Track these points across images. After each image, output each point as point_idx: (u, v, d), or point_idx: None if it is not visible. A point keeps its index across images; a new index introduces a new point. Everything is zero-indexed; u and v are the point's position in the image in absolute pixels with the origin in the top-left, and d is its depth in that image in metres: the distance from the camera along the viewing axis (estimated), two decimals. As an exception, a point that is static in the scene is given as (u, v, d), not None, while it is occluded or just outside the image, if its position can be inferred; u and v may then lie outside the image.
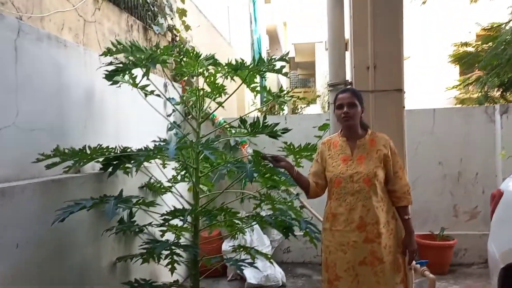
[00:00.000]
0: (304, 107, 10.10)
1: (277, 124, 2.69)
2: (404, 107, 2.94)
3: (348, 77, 3.07)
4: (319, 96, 12.10)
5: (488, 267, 2.93)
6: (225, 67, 2.85)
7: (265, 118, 2.68)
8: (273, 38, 18.96)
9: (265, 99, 3.29)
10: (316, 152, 2.67)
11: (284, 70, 2.81)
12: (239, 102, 9.15)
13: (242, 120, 2.68)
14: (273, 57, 2.73)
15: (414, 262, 2.66)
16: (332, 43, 3.11)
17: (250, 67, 2.74)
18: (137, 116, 3.60)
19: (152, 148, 2.50)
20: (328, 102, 3.30)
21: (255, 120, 2.65)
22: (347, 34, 3.14)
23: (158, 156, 2.73)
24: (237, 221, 3.28)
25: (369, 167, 2.41)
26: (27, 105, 2.33)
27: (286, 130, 2.68)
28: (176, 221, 2.97)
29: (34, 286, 2.18)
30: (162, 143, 2.49)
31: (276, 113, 7.62)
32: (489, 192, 4.67)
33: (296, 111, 9.58)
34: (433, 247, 4.61)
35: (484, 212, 4.88)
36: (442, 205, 5.01)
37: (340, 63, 3.07)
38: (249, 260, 3.27)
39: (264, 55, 14.14)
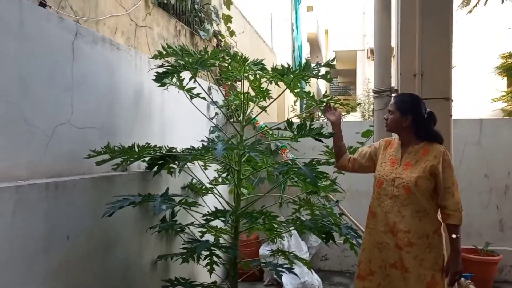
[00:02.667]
0: (345, 114, 10.00)
1: (323, 127, 2.69)
2: (451, 116, 2.87)
3: (394, 84, 3.03)
4: (359, 104, 11.93)
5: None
6: (271, 72, 2.88)
7: (312, 120, 2.69)
8: (313, 45, 18.93)
9: (305, 105, 3.29)
10: (376, 143, 2.69)
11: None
12: (279, 108, 9.18)
13: (289, 123, 2.70)
14: (318, 62, 2.73)
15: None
16: (379, 49, 3.08)
17: (296, 72, 2.76)
18: (182, 118, 3.70)
19: (199, 148, 2.56)
20: (373, 109, 3.26)
21: (302, 122, 2.67)
22: (393, 41, 3.11)
23: (203, 157, 2.78)
24: (276, 225, 3.29)
25: (412, 174, 2.36)
26: (81, 104, 2.44)
27: (332, 134, 2.68)
28: (215, 223, 3.02)
29: (81, 277, 2.28)
30: (209, 143, 2.54)
31: (316, 119, 7.59)
32: (539, 207, 4.48)
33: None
34: (476, 262, 4.43)
35: (533, 229, 4.67)
36: (487, 219, 4.82)
37: (387, 70, 3.04)
38: (287, 266, 3.27)
39: (305, 62, 14.11)
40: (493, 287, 4.51)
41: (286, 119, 3.06)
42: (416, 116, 2.43)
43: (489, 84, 13.33)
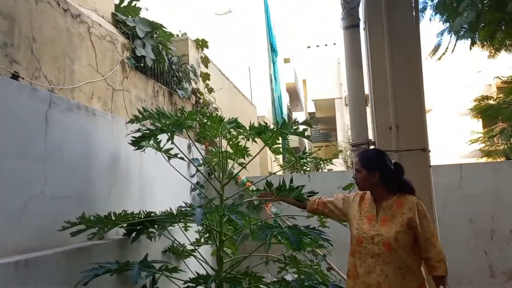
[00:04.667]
0: (327, 163, 10.09)
1: (303, 186, 2.66)
2: (430, 166, 2.89)
3: (371, 136, 3.06)
4: (341, 151, 12.08)
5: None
6: (248, 130, 2.89)
7: (291, 181, 2.67)
8: (293, 95, 19.35)
9: (287, 159, 3.29)
10: (350, 194, 2.66)
11: (306, 133, 2.83)
12: (262, 160, 9.19)
13: (268, 184, 2.67)
14: (296, 119, 2.76)
15: None
16: (353, 103, 3.14)
17: (273, 130, 2.77)
18: (161, 178, 3.64)
19: (177, 213, 2.50)
20: (352, 162, 3.27)
21: (281, 183, 2.64)
22: (367, 90, 3.17)
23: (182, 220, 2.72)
24: (262, 286, 3.17)
25: (391, 230, 2.33)
26: (54, 174, 2.38)
27: (312, 193, 2.67)
28: None
29: None
30: (187, 208, 2.48)
31: (299, 171, 7.60)
32: (526, 250, 4.46)
33: (319, 167, 9.56)
34: (470, 311, 4.34)
35: (523, 272, 4.62)
36: (476, 265, 4.76)
37: (362, 123, 3.08)
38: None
39: (285, 111, 14.36)
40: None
41: (269, 171, 3.03)
42: (383, 171, 2.43)
43: (466, 125, 13.70)
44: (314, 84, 20.33)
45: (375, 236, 2.36)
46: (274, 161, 10.12)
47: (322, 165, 9.91)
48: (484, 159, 10.79)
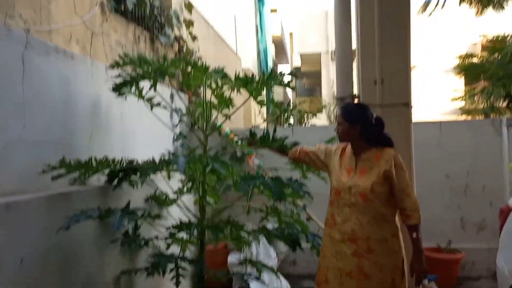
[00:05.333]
0: (311, 117, 10.11)
1: (286, 137, 2.67)
2: (411, 121, 2.91)
3: (356, 90, 3.05)
4: (325, 106, 12.08)
5: (497, 281, 2.88)
6: (233, 80, 2.84)
7: (275, 131, 2.67)
8: (279, 47, 19.00)
9: (271, 111, 3.28)
10: (331, 146, 2.70)
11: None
12: (246, 112, 9.15)
13: (252, 134, 2.67)
14: (281, 72, 2.72)
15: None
16: (340, 57, 3.10)
17: (259, 81, 2.73)
18: (143, 127, 3.60)
19: (160, 162, 2.49)
20: (337, 115, 3.28)
21: (265, 133, 2.64)
22: (355, 45, 3.13)
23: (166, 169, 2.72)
24: (243, 234, 3.25)
25: (367, 181, 2.40)
26: (33, 118, 2.33)
27: (295, 144, 2.67)
28: (182, 234, 2.95)
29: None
30: (170, 156, 2.47)
31: (282, 124, 7.62)
32: (497, 204, 4.62)
33: (303, 121, 9.58)
34: (440, 260, 4.54)
35: (492, 225, 4.81)
36: (449, 218, 4.94)
37: (348, 77, 3.06)
38: (255, 274, 3.24)
39: (271, 64, 14.17)
40: (456, 284, 4.63)
41: (252, 124, 3.03)
42: (364, 125, 2.47)
43: (448, 83, 13.79)
44: (301, 37, 19.98)
45: (352, 187, 2.43)
46: (258, 115, 10.10)
47: (305, 120, 9.94)
48: (463, 118, 10.96)
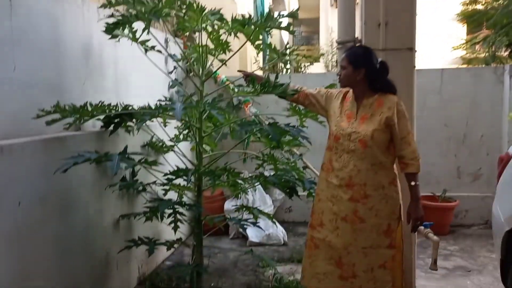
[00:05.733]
0: (308, 65, 9.92)
1: (288, 83, 2.60)
2: (414, 66, 2.84)
3: (358, 34, 2.95)
4: (323, 54, 11.84)
5: (492, 229, 2.93)
6: (230, 23, 2.73)
7: (277, 77, 2.60)
8: (276, -7, 18.37)
9: (269, 57, 3.17)
10: (332, 90, 2.64)
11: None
12: (242, 60, 8.94)
13: (252, 79, 2.59)
14: (280, 13, 2.60)
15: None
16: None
17: (257, 23, 2.62)
18: (138, 72, 3.51)
19: (156, 107, 2.43)
20: (337, 61, 3.19)
21: (266, 79, 2.56)
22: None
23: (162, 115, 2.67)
24: (240, 181, 3.26)
25: (368, 128, 2.36)
26: (24, 59, 2.24)
27: (296, 91, 2.61)
28: (179, 180, 2.95)
29: (37, 242, 2.18)
30: (167, 103, 2.41)
31: (279, 71, 7.48)
32: (493, 154, 4.65)
33: (300, 69, 9.41)
34: (434, 208, 4.62)
35: (487, 174, 4.87)
36: (445, 167, 4.98)
37: (350, 20, 2.94)
38: (252, 220, 3.28)
39: (267, 10, 13.73)
40: (449, 231, 4.74)
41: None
42: (369, 69, 2.40)
43: (454, 32, 13.46)
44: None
45: (352, 134, 2.40)
46: (254, 62, 9.90)
47: (303, 69, 9.77)
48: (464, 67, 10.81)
